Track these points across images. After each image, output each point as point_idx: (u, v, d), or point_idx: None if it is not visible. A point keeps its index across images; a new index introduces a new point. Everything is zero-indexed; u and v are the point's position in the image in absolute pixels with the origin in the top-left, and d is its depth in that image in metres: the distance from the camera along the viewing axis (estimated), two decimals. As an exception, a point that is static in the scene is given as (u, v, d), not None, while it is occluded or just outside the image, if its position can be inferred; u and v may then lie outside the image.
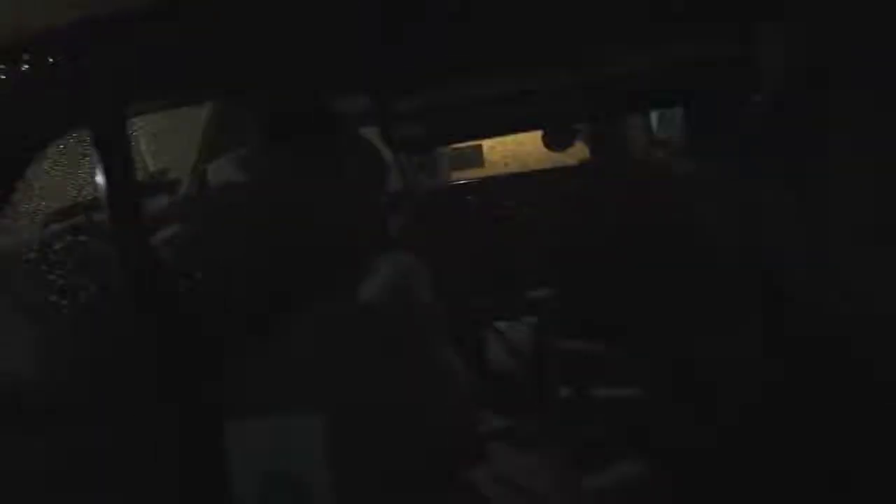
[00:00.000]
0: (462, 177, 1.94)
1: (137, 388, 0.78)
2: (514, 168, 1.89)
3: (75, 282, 0.81)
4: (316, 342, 0.88)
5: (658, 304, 1.36)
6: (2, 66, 0.71)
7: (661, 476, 0.98)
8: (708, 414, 1.14)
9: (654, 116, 1.61)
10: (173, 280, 0.91)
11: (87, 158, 0.96)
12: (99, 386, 0.77)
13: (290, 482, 0.76)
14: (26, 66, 0.71)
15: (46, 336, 0.79)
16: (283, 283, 1.04)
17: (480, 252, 1.56)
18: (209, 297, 0.95)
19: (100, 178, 0.78)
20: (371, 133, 1.29)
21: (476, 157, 2.18)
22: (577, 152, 1.77)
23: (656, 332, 1.30)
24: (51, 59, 0.70)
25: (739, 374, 1.20)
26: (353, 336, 0.91)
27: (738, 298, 1.27)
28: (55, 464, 0.74)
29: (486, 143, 2.16)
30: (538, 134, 1.77)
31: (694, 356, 1.27)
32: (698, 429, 1.11)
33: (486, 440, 0.99)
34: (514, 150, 2.07)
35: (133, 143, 1.48)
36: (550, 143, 1.68)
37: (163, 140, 1.47)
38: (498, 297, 1.44)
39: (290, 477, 0.76)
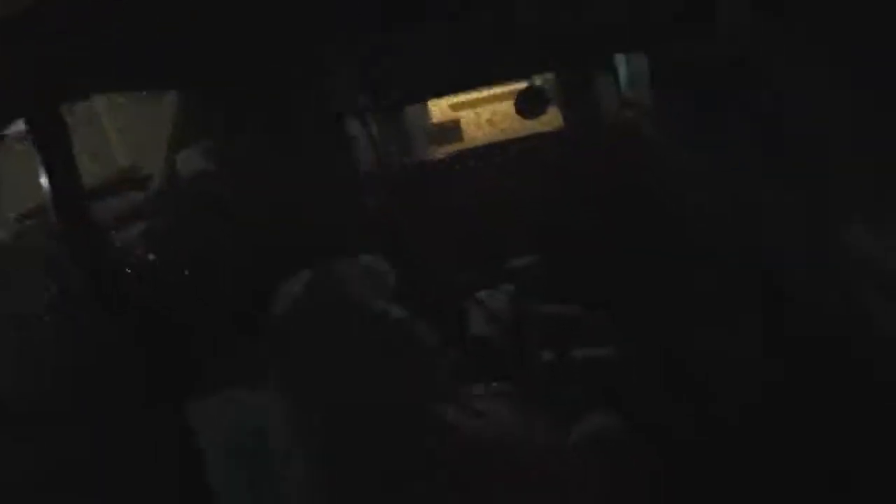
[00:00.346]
0: (440, 152, 1.94)
1: (103, 382, 0.81)
2: (490, 139, 1.90)
3: (39, 282, 0.83)
4: (289, 329, 0.90)
5: (633, 265, 1.38)
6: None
7: (633, 426, 1.01)
8: (680, 368, 1.17)
9: (622, 77, 1.61)
10: (138, 275, 0.93)
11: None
12: (66, 384, 0.80)
13: (247, 455, 0.79)
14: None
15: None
16: (259, 271, 1.06)
17: (458, 224, 1.57)
18: (182, 289, 0.97)
19: (43, 178, 0.79)
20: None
21: (454, 132, 2.17)
22: (551, 119, 1.77)
23: (632, 293, 1.32)
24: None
25: (714, 330, 1.22)
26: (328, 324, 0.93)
27: (711, 256, 1.29)
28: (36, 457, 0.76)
29: (464, 118, 2.16)
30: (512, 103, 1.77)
31: (671, 313, 1.30)
32: (669, 383, 1.14)
33: (467, 407, 1.02)
34: (492, 121, 2.07)
35: (102, 138, 1.48)
36: (523, 110, 1.68)
37: (133, 134, 1.47)
38: (477, 268, 1.46)
39: (246, 450, 0.79)
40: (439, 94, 1.67)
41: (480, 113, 2.04)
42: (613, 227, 1.46)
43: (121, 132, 1.52)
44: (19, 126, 0.86)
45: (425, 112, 2.08)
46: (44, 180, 0.81)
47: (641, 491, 0.98)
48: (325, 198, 1.30)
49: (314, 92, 1.34)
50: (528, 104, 1.66)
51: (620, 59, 1.61)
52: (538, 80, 1.70)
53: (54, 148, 0.81)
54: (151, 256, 1.04)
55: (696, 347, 1.20)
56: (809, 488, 0.93)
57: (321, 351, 0.85)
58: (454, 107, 2.15)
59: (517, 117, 1.75)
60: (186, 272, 1.07)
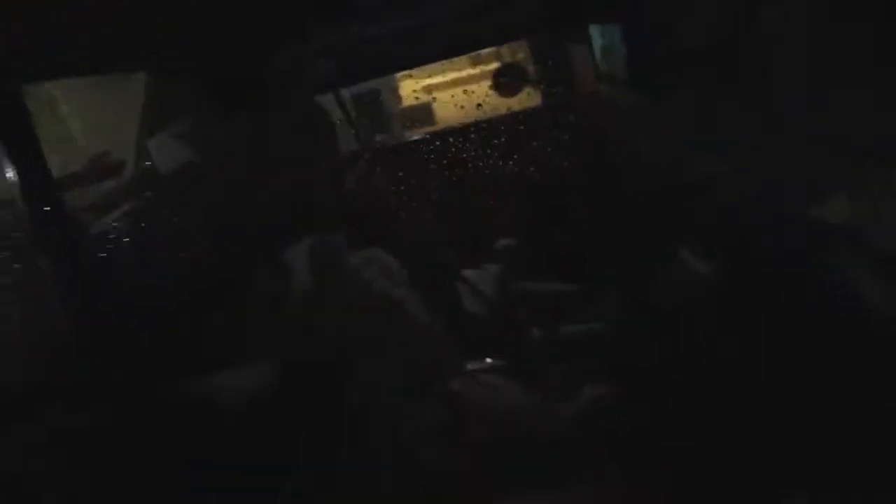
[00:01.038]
0: (416, 133, 1.92)
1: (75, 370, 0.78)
2: (464, 119, 1.89)
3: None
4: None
5: (615, 238, 1.39)
6: None
7: (627, 396, 1.03)
8: (670, 335, 1.19)
9: (597, 51, 1.62)
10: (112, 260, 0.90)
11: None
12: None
13: None
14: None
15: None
16: (237, 252, 1.03)
17: (440, 205, 1.56)
18: (158, 274, 0.94)
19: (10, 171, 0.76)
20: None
21: (427, 115, 2.16)
22: (528, 97, 1.77)
23: (615, 265, 1.34)
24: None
25: (697, 293, 1.25)
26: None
27: (687, 223, 1.32)
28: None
29: (437, 100, 2.14)
30: (487, 84, 1.76)
31: (653, 283, 1.32)
32: (659, 349, 1.16)
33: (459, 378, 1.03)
34: (465, 102, 2.06)
35: (65, 128, 1.41)
36: (500, 88, 1.67)
37: (97, 121, 1.41)
38: (462, 247, 1.45)
39: None
40: (411, 66, 1.64)
41: (454, 94, 2.03)
42: (594, 202, 1.47)
43: (84, 118, 1.45)
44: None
45: (398, 93, 2.06)
46: (11, 173, 0.77)
47: (638, 462, 1.00)
48: (303, 180, 1.27)
49: (287, 71, 1.30)
50: (505, 82, 1.66)
51: (595, 33, 1.61)
52: (514, 58, 1.70)
53: (19, 138, 0.77)
54: (126, 240, 1.01)
55: (684, 320, 1.23)
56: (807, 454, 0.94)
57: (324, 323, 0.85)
58: (427, 88, 2.14)
59: (493, 97, 1.74)
60: (163, 257, 1.03)
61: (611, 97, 1.58)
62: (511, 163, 1.67)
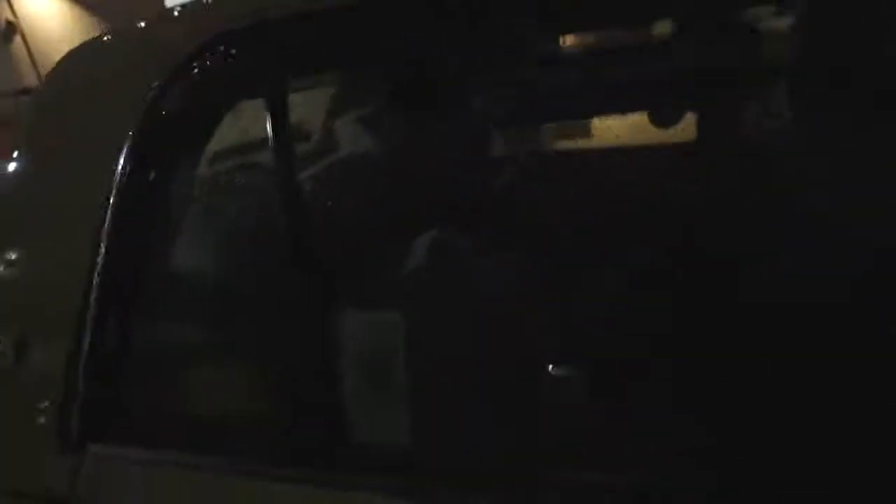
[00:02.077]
0: (567, 146, 1.96)
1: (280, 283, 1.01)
2: (622, 140, 1.88)
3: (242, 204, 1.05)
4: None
5: (771, 288, 1.30)
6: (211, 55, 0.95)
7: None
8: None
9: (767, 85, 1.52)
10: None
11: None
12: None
13: (378, 366, 0.95)
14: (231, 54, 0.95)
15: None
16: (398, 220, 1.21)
17: (577, 221, 1.59)
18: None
19: (269, 130, 1.06)
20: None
21: (582, 126, 2.18)
22: (686, 128, 1.72)
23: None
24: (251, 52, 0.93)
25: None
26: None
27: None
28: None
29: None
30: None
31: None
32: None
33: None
34: (624, 122, 2.05)
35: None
36: (657, 118, 1.65)
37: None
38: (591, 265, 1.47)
39: (378, 361, 0.95)
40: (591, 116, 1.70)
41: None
42: (750, 247, 1.39)
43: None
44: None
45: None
46: (269, 129, 1.07)
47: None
48: (449, 178, 1.41)
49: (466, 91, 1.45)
50: (662, 112, 1.64)
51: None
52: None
53: (280, 109, 1.06)
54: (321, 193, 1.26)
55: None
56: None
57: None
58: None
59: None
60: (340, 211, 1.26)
61: (778, 135, 1.49)
62: (660, 188, 1.64)
